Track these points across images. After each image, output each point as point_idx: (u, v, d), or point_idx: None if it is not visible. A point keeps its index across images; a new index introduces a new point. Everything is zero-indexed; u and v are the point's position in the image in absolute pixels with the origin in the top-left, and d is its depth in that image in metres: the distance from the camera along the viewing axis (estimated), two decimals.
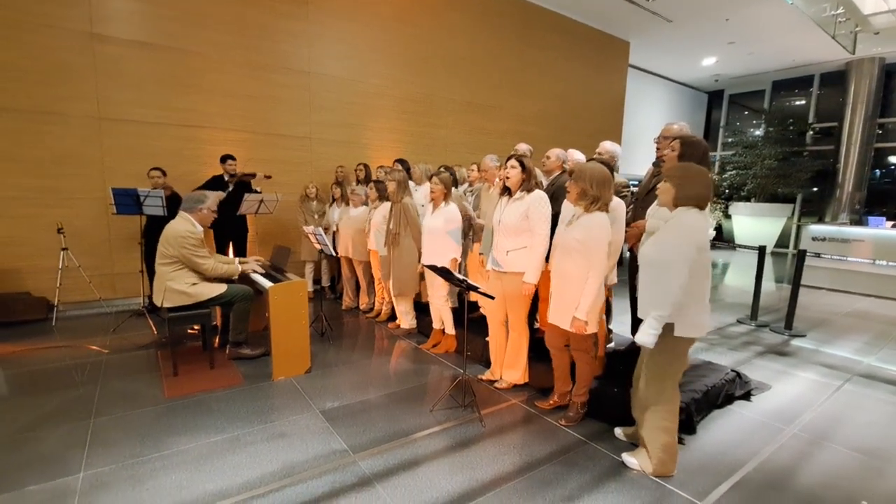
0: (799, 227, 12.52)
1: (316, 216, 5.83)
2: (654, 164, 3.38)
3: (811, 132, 12.12)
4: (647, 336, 2.11)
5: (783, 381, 3.69)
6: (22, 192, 4.70)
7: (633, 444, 2.61)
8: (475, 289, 2.82)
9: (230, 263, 3.68)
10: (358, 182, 5.88)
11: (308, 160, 6.45)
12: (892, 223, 8.71)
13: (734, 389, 3.27)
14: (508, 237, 3.21)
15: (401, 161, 5.39)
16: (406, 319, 4.59)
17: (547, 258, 3.05)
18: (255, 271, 3.84)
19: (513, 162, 3.18)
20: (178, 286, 3.39)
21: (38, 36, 4.66)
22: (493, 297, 2.84)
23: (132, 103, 5.15)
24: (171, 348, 3.52)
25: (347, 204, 5.37)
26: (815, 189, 12.07)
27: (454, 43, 7.64)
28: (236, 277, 3.69)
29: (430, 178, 4.05)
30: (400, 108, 7.22)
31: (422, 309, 4.70)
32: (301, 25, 6.13)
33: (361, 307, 5.39)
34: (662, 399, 2.25)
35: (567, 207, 2.94)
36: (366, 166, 5.90)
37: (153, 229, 4.76)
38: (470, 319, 4.46)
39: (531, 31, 8.57)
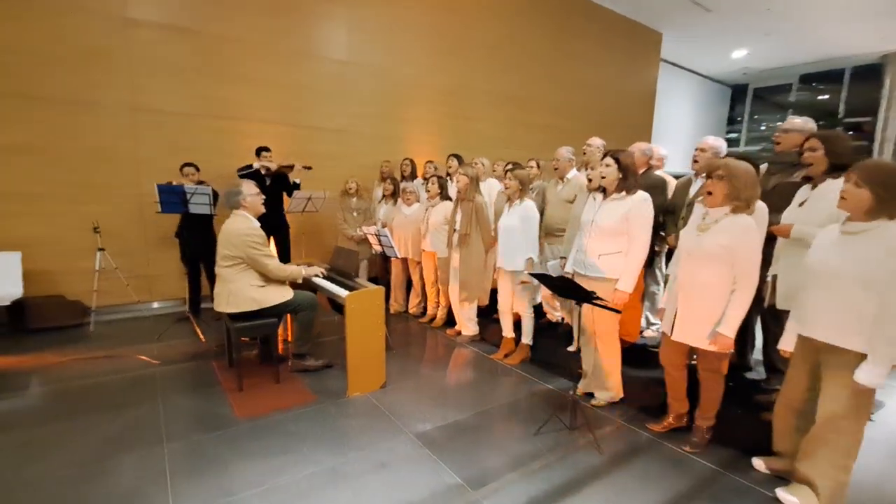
0: None
1: (355, 213, 5.47)
2: (770, 162, 3.07)
3: (841, 127, 11.83)
4: (878, 378, 1.80)
5: (890, 395, 3.42)
6: (54, 187, 4.36)
7: (779, 477, 2.33)
8: (590, 299, 2.52)
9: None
10: (403, 178, 5.56)
11: (344, 154, 6.11)
12: None
13: None
14: (603, 240, 2.92)
15: (456, 157, 5.06)
16: (469, 326, 4.30)
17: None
18: (317, 276, 3.55)
19: (608, 160, 2.90)
20: (244, 290, 3.09)
21: (69, 19, 4.30)
22: (619, 312, 2.55)
23: (167, 92, 4.81)
24: (232, 359, 3.23)
25: (396, 202, 5.06)
26: None
27: (492, 32, 7.29)
28: (300, 281, 3.39)
29: (505, 174, 3.74)
30: (436, 100, 6.88)
31: (481, 314, 4.42)
32: (340, 10, 5.78)
33: (412, 311, 5.09)
34: (852, 435, 1.96)
35: (695, 210, 2.64)
36: (411, 161, 5.58)
37: (189, 226, 4.46)
38: (539, 327, 4.20)
39: (568, 20, 8.23)
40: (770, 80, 13.57)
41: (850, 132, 11.79)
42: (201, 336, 4.14)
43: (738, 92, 14.59)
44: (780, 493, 2.18)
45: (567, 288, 2.62)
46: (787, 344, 2.22)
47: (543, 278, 2.78)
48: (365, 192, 5.63)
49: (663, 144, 4.45)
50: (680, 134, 12.54)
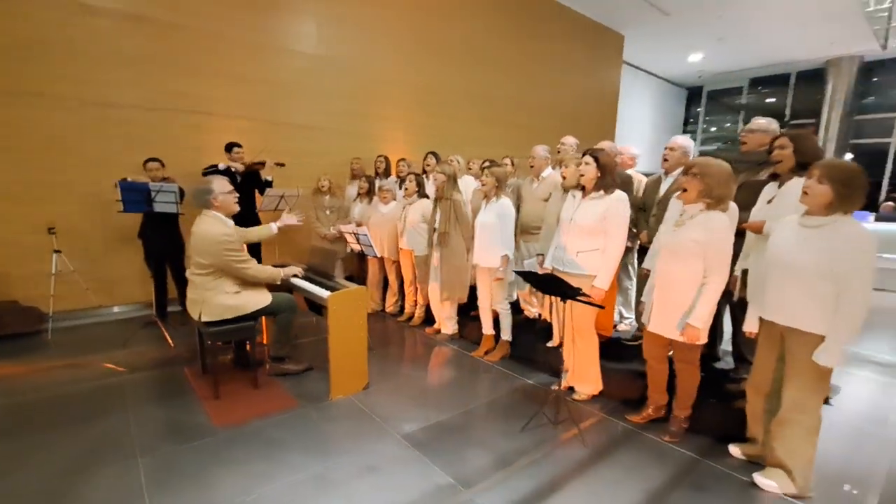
0: None
1: (328, 212, 5.34)
2: (735, 161, 3.20)
3: (786, 129, 12.49)
4: (835, 358, 1.97)
5: (845, 381, 3.64)
6: (3, 185, 4.07)
7: (753, 462, 2.44)
8: (575, 295, 2.57)
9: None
10: (377, 175, 5.49)
11: (315, 151, 5.96)
12: (873, 216, 9.09)
13: None
14: (581, 238, 2.99)
15: (434, 154, 5.04)
16: (449, 324, 4.30)
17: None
18: (295, 276, 3.46)
19: (587, 158, 2.97)
20: (219, 298, 2.96)
21: (18, 5, 4.01)
22: (602, 307, 2.60)
23: (125, 85, 4.54)
24: (205, 365, 3.13)
25: (371, 200, 5.00)
26: None
27: (465, 31, 7.29)
28: (279, 283, 3.29)
29: (482, 171, 3.77)
30: (410, 97, 6.83)
31: (459, 311, 4.42)
32: (311, 4, 5.64)
33: (388, 310, 5.05)
34: (814, 413, 2.12)
35: (671, 206, 2.73)
36: (386, 159, 5.52)
37: (153, 226, 4.26)
38: (517, 323, 4.24)
39: (540, 20, 8.35)
40: (723, 83, 14.20)
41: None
42: (170, 341, 3.96)
43: (693, 94, 15.20)
44: (758, 477, 2.29)
45: (552, 285, 2.65)
46: (751, 326, 2.38)
47: (529, 276, 2.81)
48: (338, 189, 5.51)
49: (623, 144, 4.58)
50: (639, 134, 12.93)
